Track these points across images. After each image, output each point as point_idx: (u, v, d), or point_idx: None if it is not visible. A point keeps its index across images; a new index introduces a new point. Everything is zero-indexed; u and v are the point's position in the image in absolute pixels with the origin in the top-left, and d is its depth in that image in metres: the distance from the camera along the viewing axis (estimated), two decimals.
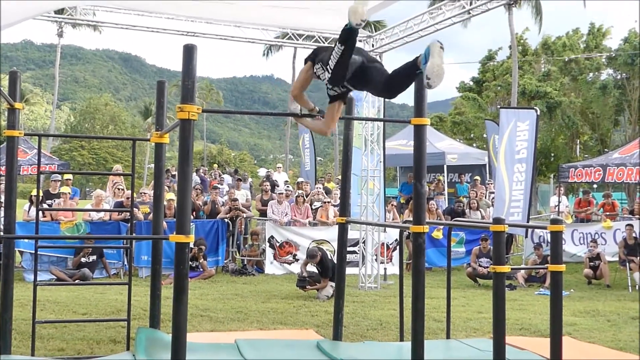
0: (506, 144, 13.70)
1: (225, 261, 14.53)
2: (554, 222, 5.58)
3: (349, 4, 4.48)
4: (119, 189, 14.92)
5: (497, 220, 5.52)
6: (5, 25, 9.90)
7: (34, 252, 8.17)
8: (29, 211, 13.67)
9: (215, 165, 32.02)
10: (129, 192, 13.90)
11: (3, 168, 13.84)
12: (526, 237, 15.18)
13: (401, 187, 21.13)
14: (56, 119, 65.71)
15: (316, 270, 11.69)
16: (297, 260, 14.38)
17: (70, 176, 16.27)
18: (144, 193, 14.87)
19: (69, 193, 13.99)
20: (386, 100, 13.58)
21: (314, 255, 11.52)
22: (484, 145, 29.15)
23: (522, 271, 13.63)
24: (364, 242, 13.24)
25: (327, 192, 17.31)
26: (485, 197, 17.81)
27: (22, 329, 7.75)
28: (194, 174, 21.52)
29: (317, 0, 10.65)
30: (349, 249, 9.94)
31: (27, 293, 9.55)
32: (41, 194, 10.77)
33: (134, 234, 9.81)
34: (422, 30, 11.87)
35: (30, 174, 20.36)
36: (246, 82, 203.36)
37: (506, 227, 5.51)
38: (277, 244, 14.61)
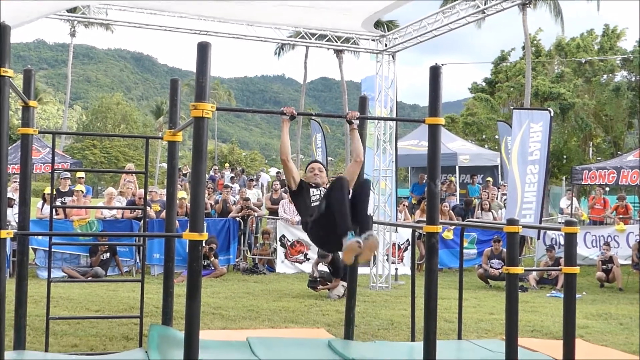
0: (519, 145, 13.65)
1: (237, 260, 14.57)
2: (569, 223, 5.55)
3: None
4: (127, 188, 14.94)
5: (511, 222, 5.50)
6: (17, 25, 9.94)
7: (47, 249, 8.22)
8: (42, 209, 13.74)
9: (227, 165, 32.11)
10: (140, 190, 13.98)
11: (16, 166, 13.97)
12: (538, 239, 15.12)
13: (412, 187, 21.11)
14: (68, 118, 66.03)
15: (327, 270, 11.69)
16: (308, 259, 14.40)
17: (83, 174, 16.35)
18: (153, 191, 14.93)
19: (83, 191, 14.05)
20: (398, 100, 13.58)
21: (326, 255, 11.52)
22: (496, 147, 29.07)
23: (534, 273, 13.58)
24: None
25: None
26: (497, 199, 17.75)
27: (36, 325, 7.80)
28: (227, 172, 21.90)
29: (331, 0, 10.65)
30: None
31: (41, 290, 9.61)
32: (53, 192, 10.87)
33: (146, 232, 9.84)
34: (435, 30, 11.84)
35: (43, 173, 20.51)
36: (257, 81, 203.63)
37: (520, 228, 5.48)
38: (288, 243, 14.63)
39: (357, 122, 5.71)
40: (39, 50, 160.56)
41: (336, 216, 5.30)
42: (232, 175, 22.16)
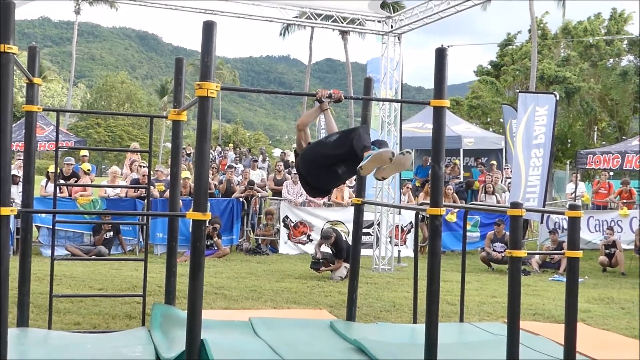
0: (524, 129, 13.60)
1: (240, 240, 14.59)
2: (572, 207, 5.53)
3: None
4: (141, 167, 14.93)
5: (515, 205, 5.49)
6: (22, 1, 9.90)
7: (51, 227, 8.24)
8: (45, 187, 13.75)
9: (231, 145, 32.10)
10: (145, 169, 13.98)
11: (20, 144, 13.98)
12: (541, 222, 15.11)
13: (416, 170, 21.08)
14: (73, 96, 65.93)
15: (330, 251, 11.71)
16: (311, 240, 14.41)
17: (86, 153, 16.36)
18: (159, 171, 14.94)
19: (89, 170, 14.06)
20: (403, 82, 13.52)
21: (329, 236, 11.53)
22: (501, 130, 28.99)
23: (537, 257, 13.59)
24: (378, 224, 13.23)
25: None
26: (501, 182, 17.73)
27: (39, 302, 7.83)
28: (231, 152, 21.86)
29: None
30: (363, 230, 9.95)
31: (44, 267, 9.66)
32: (58, 170, 10.89)
33: (150, 211, 9.84)
34: (441, 11, 11.76)
35: (46, 150, 20.53)
36: (262, 62, 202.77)
37: (524, 211, 5.47)
38: (292, 224, 14.64)
39: (329, 100, 5.46)
40: (43, 28, 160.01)
41: (357, 135, 5.19)
42: (235, 156, 22.12)
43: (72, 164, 14.64)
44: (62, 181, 13.79)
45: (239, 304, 8.89)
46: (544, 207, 13.31)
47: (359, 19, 12.88)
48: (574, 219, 5.46)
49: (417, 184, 19.21)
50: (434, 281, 5.21)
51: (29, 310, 6.39)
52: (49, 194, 12.89)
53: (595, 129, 39.33)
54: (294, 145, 6.06)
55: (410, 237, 14.77)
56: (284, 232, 14.67)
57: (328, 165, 5.38)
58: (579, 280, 5.71)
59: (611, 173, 20.72)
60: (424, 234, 14.12)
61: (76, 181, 14.18)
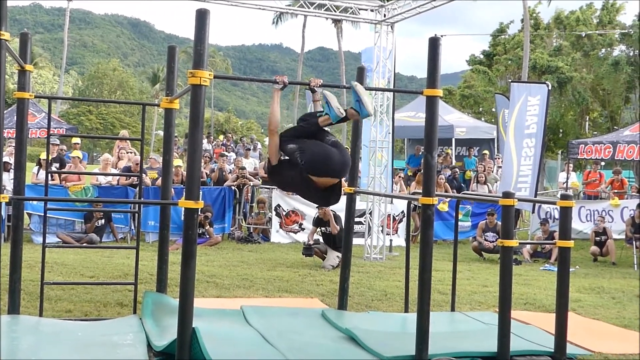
0: (516, 118, 13.62)
1: (232, 229, 14.57)
2: (564, 197, 5.56)
3: None
4: (125, 153, 14.89)
5: (507, 195, 5.51)
6: None
7: (42, 214, 8.22)
8: (37, 174, 13.70)
9: (221, 137, 31.98)
10: (137, 157, 13.94)
11: (12, 131, 13.89)
12: (533, 212, 15.16)
13: (408, 159, 21.10)
14: (64, 83, 65.55)
15: (322, 240, 11.73)
16: (303, 229, 14.41)
17: (78, 140, 16.30)
18: (152, 159, 14.89)
19: (80, 157, 14.00)
20: (395, 71, 13.50)
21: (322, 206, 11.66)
22: (493, 120, 29.05)
23: (528, 246, 13.63)
24: (370, 213, 13.24)
25: None
26: (493, 172, 17.76)
27: (30, 289, 7.80)
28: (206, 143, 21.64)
29: None
30: (355, 219, 9.94)
31: (36, 255, 9.62)
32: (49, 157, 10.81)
33: (142, 199, 9.82)
34: (434, 0, 11.74)
35: (38, 137, 20.45)
36: (255, 50, 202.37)
37: (515, 201, 5.49)
38: (284, 213, 14.64)
39: (321, 90, 5.48)
40: (35, 14, 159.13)
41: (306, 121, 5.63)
42: (210, 147, 21.86)
43: (57, 145, 14.54)
44: (54, 168, 13.75)
45: (230, 293, 8.89)
46: (535, 197, 13.35)
47: (352, 8, 12.84)
48: (566, 209, 5.49)
49: (409, 173, 19.22)
50: (426, 270, 5.22)
51: (20, 297, 6.38)
52: (41, 181, 12.83)
53: (587, 119, 39.45)
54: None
55: (402, 226, 14.78)
56: (275, 220, 14.67)
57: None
58: (570, 269, 5.73)
59: (602, 163, 20.77)
60: (416, 223, 14.15)
61: (62, 165, 14.12)
